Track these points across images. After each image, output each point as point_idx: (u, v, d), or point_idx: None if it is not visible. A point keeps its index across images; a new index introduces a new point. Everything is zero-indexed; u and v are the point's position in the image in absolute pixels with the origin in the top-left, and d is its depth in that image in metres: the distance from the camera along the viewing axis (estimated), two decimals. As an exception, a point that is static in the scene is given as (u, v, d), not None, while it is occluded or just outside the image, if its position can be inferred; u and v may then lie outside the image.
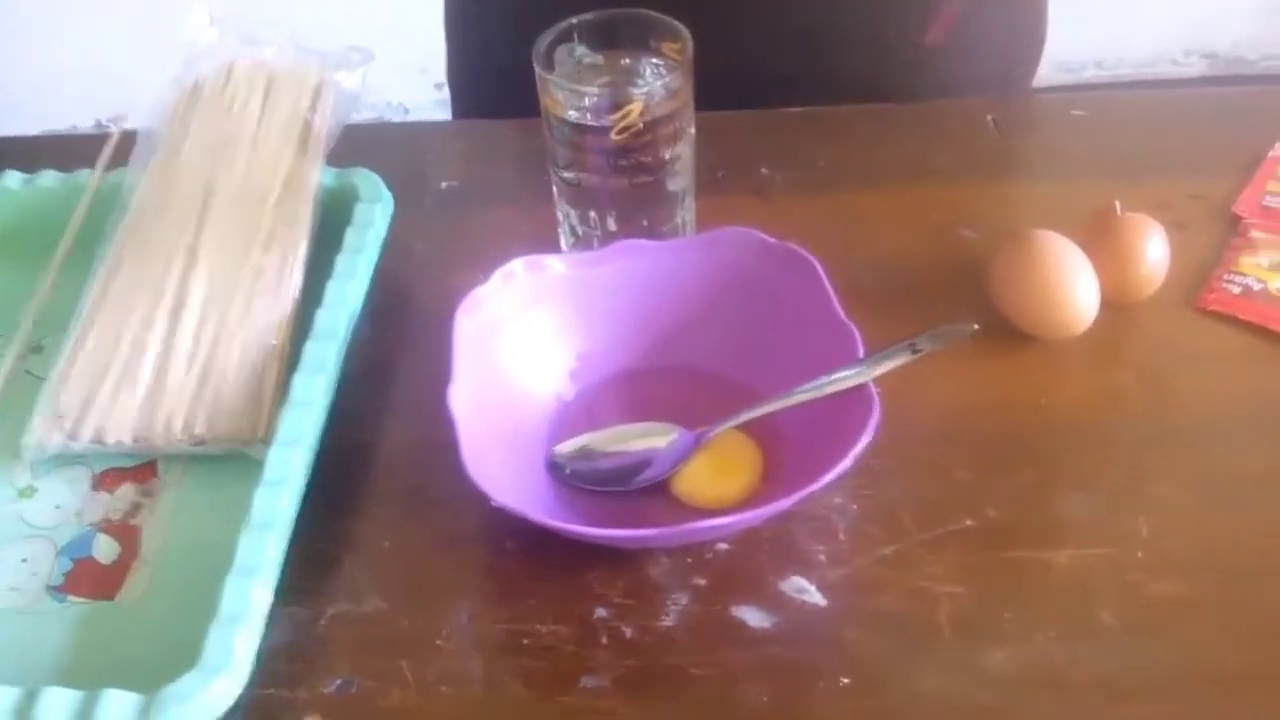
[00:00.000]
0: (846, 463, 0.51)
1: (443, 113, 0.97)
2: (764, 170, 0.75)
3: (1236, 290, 0.66)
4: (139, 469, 0.59)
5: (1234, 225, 0.70)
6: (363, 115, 0.74)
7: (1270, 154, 0.75)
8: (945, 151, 0.76)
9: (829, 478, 0.51)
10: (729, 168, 0.75)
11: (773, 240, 0.61)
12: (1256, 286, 0.66)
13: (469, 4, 0.91)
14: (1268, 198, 0.72)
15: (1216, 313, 0.66)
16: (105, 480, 0.59)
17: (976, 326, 0.59)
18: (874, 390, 0.54)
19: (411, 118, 2.03)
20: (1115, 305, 0.63)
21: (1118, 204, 0.65)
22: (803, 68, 0.82)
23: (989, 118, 0.78)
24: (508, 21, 0.84)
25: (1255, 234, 0.70)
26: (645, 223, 0.65)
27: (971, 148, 0.76)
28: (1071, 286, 0.61)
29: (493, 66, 0.87)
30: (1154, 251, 0.63)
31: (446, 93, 0.96)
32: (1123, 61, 2.20)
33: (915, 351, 0.57)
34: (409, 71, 1.66)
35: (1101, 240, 0.63)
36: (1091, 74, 2.19)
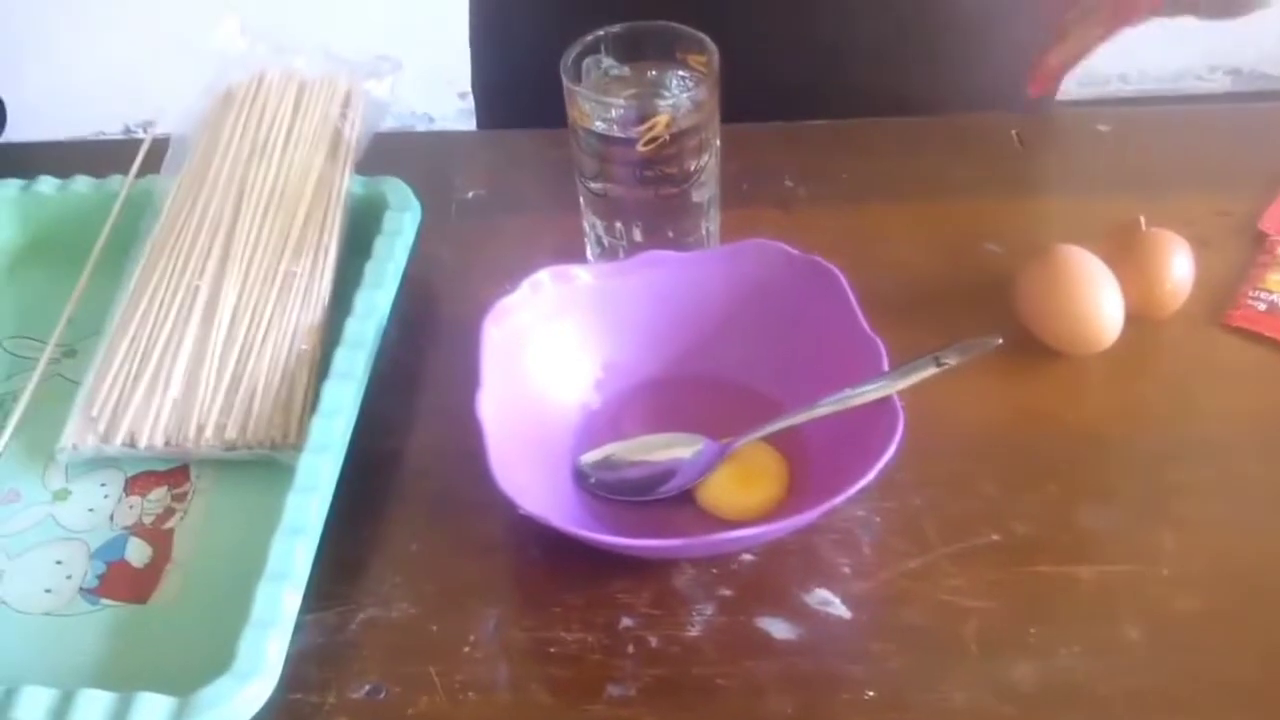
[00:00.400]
0: (871, 476, 0.51)
1: (467, 123, 0.98)
2: (788, 183, 0.76)
3: (1263, 307, 0.66)
4: (171, 473, 0.60)
5: (1260, 242, 0.70)
6: (389, 125, 0.75)
7: (1296, 170, 0.75)
8: (969, 165, 0.76)
9: (853, 490, 0.51)
10: (753, 180, 0.76)
11: (797, 252, 0.62)
12: (1282, 303, 0.67)
13: (494, 15, 0.91)
14: (1294, 214, 0.72)
15: (1242, 329, 0.66)
16: (138, 484, 0.60)
17: (1000, 340, 0.59)
18: (899, 403, 0.54)
19: (436, 127, 2.04)
20: (1140, 321, 0.64)
21: (1142, 219, 0.65)
22: (826, 80, 0.82)
23: (1013, 132, 0.78)
24: (533, 32, 0.84)
25: (1281, 250, 0.70)
26: (670, 234, 0.66)
27: (995, 162, 0.77)
28: (1096, 302, 0.61)
29: (518, 77, 0.87)
30: (1179, 267, 0.63)
31: (471, 103, 0.97)
32: (1146, 76, 2.20)
33: (940, 365, 0.57)
34: (434, 82, 1.67)
35: (1126, 255, 0.63)
36: (1115, 88, 2.19)
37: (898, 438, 0.53)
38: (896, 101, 0.81)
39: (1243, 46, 2.21)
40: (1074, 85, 0.95)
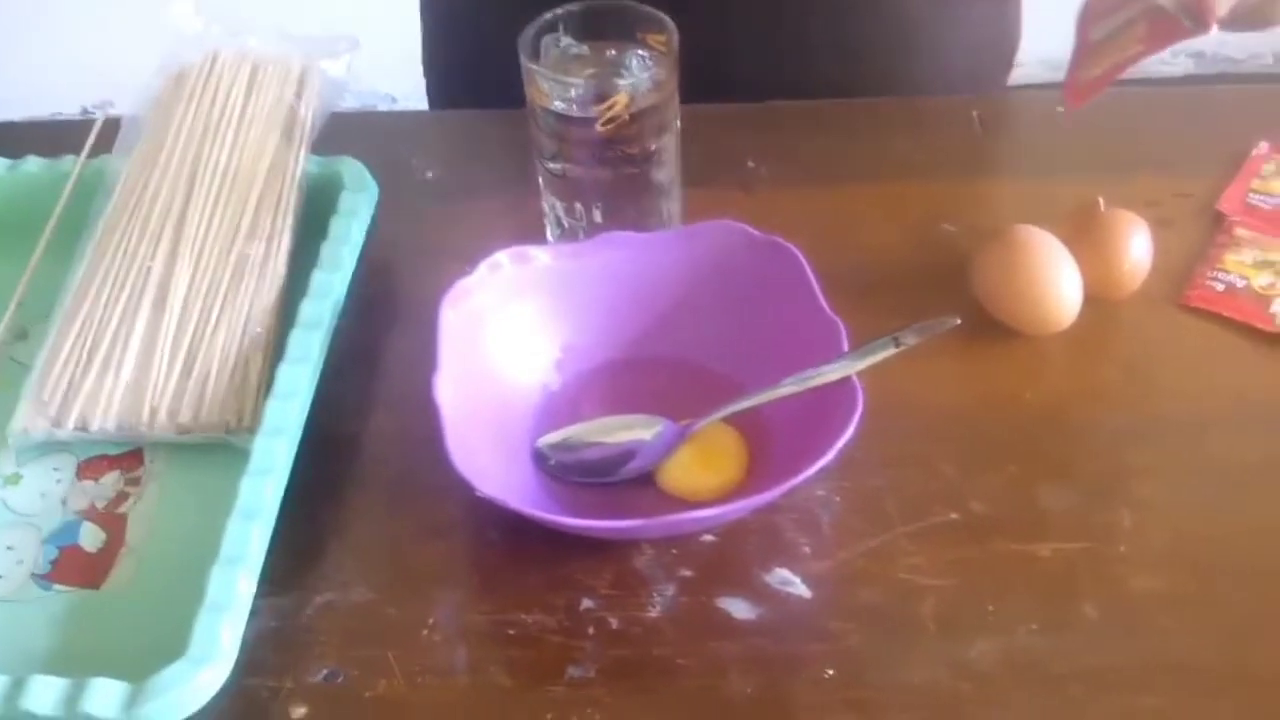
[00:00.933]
0: (829, 456, 0.51)
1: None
2: (750, 164, 0.76)
3: (1220, 287, 0.67)
4: (124, 456, 0.59)
5: (1218, 223, 0.71)
6: (349, 105, 0.74)
7: (1254, 152, 0.75)
8: (929, 147, 0.76)
9: (811, 470, 0.51)
10: (715, 161, 0.75)
11: (757, 233, 0.61)
12: (1240, 284, 0.67)
13: None
14: (1252, 196, 0.73)
15: (1200, 309, 0.66)
16: (91, 468, 0.59)
17: (959, 320, 0.59)
18: (858, 384, 0.54)
19: (399, 107, 2.02)
20: (1099, 301, 0.64)
21: (1101, 200, 0.65)
22: (786, 63, 0.82)
23: (973, 114, 0.78)
24: (487, 10, 0.84)
25: (1239, 231, 0.70)
26: (631, 214, 0.65)
27: (955, 143, 0.77)
28: (1054, 282, 0.62)
29: (471, 56, 0.86)
30: (1137, 248, 0.64)
31: (435, 83, 0.96)
32: (1108, 59, 2.21)
33: (899, 345, 0.57)
34: (397, 61, 1.66)
35: (1084, 236, 0.63)
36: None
37: (856, 417, 0.53)
38: (847, 86, 0.81)
39: (1204, 31, 2.22)
40: (1039, 68, 0.95)
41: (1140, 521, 0.56)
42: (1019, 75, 0.94)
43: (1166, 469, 0.59)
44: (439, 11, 0.91)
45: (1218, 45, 2.23)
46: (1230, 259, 0.68)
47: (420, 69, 0.96)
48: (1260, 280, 0.67)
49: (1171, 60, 2.24)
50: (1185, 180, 0.73)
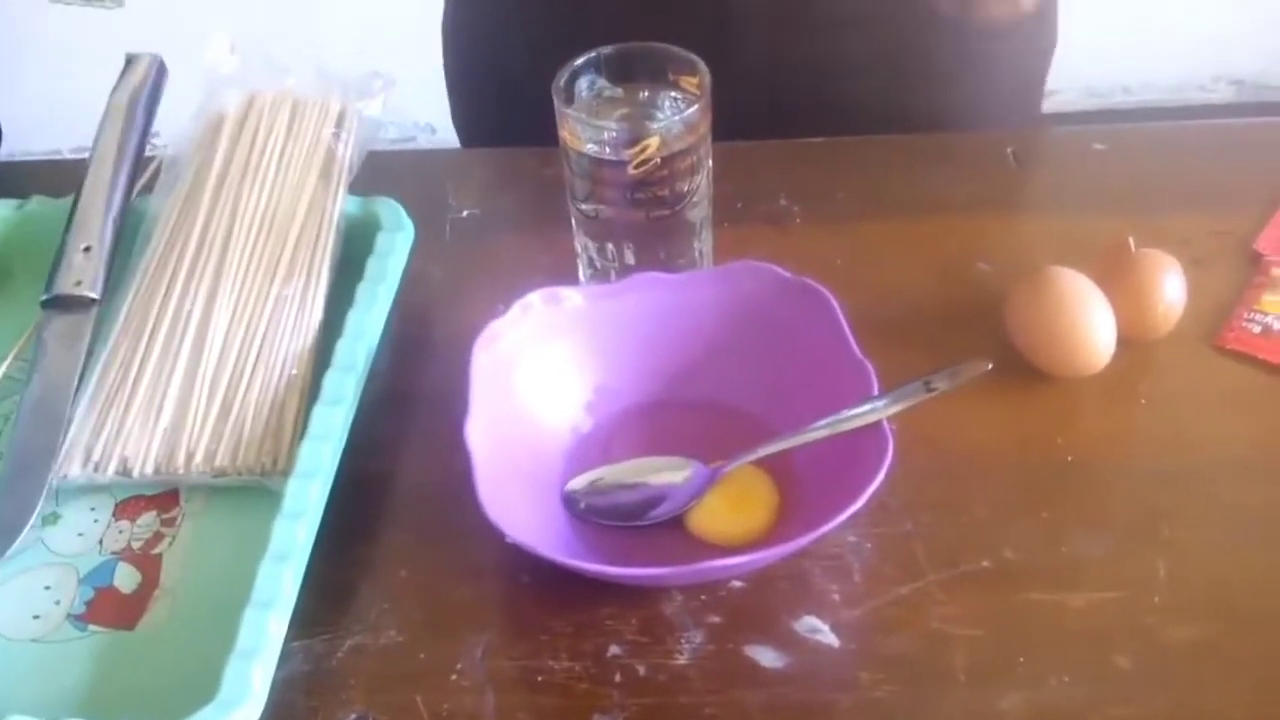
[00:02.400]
0: (859, 503, 0.51)
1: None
2: (782, 201, 0.76)
3: (1257, 329, 0.66)
4: (161, 497, 0.60)
5: (1255, 262, 0.70)
6: (390, 135, 0.75)
7: (1292, 189, 0.75)
8: (963, 183, 0.76)
9: (842, 518, 0.51)
10: (747, 198, 0.76)
11: (788, 275, 0.61)
12: (1277, 325, 0.66)
13: (466, 49, 0.92)
14: (1290, 234, 0.72)
15: (1236, 351, 0.65)
16: (128, 508, 0.60)
17: (990, 365, 0.59)
18: (889, 429, 0.54)
19: (439, 137, 2.04)
20: (1132, 343, 0.63)
21: (1131, 240, 0.64)
22: (817, 97, 0.82)
23: (1008, 150, 0.78)
24: (505, 63, 0.85)
25: (1277, 271, 0.69)
26: (663, 255, 0.66)
27: (990, 180, 0.76)
28: (1087, 325, 0.61)
29: (491, 109, 0.88)
30: (1170, 288, 0.63)
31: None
32: (1149, 87, 2.19)
33: (930, 389, 0.57)
34: (436, 92, 1.68)
35: (1117, 277, 0.63)
36: (1119, 99, 2.19)
37: (886, 464, 0.52)
38: (898, 118, 0.81)
39: (1246, 57, 2.21)
40: (1078, 96, 0.96)
41: (1174, 569, 0.56)
42: (1057, 102, 0.94)
43: (1202, 514, 0.58)
44: (461, 50, 0.93)
45: (1259, 74, 2.21)
46: (1267, 300, 0.68)
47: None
48: (1298, 322, 0.66)
49: (1212, 88, 2.22)
50: (1222, 218, 0.72)
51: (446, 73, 0.95)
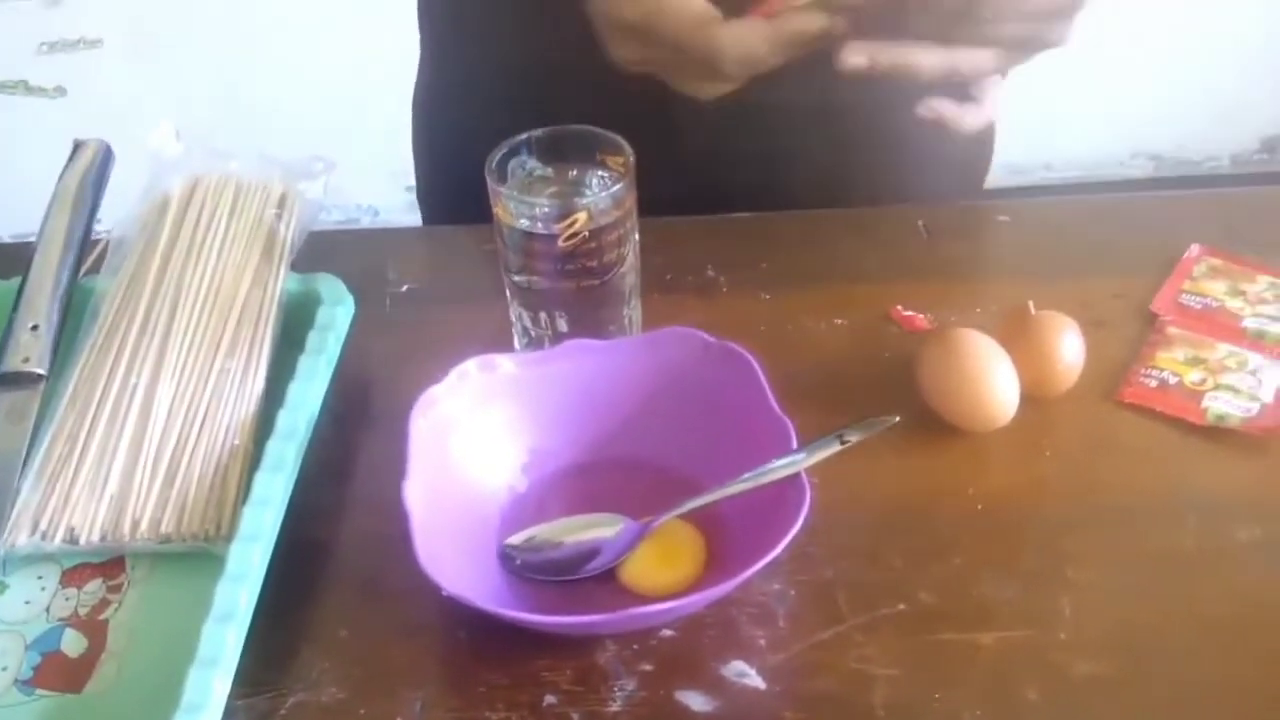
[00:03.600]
0: (779, 550, 0.54)
1: (414, 215, 1.02)
2: (709, 271, 0.80)
3: (1153, 384, 0.70)
4: (107, 565, 0.61)
5: (1151, 322, 0.75)
6: (333, 217, 0.78)
7: (1186, 255, 0.80)
8: (878, 253, 0.80)
9: (761, 564, 0.54)
10: (677, 270, 0.79)
11: (712, 340, 0.65)
12: (1172, 380, 0.70)
13: (430, 125, 0.95)
14: (1183, 296, 0.77)
15: (1135, 405, 0.69)
16: (74, 576, 0.61)
17: (898, 418, 0.62)
18: (806, 479, 0.57)
19: (382, 219, 2.08)
20: (1036, 399, 0.67)
21: (1031, 304, 0.69)
22: (752, 183, 0.86)
23: (920, 223, 0.82)
24: (466, 139, 0.88)
25: (1171, 330, 0.74)
26: (593, 322, 0.69)
27: (902, 250, 0.81)
28: (991, 381, 0.65)
29: (452, 181, 0.91)
30: (1069, 347, 0.67)
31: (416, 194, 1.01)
32: (1071, 164, 2.28)
33: (844, 442, 0.60)
34: (380, 175, 1.72)
35: (1019, 337, 0.67)
36: (1041, 176, 2.27)
37: (804, 511, 0.55)
38: (839, 203, 0.85)
39: (1162, 134, 2.30)
40: (1001, 173, 1.00)
41: (1079, 609, 0.59)
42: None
43: (1104, 558, 0.62)
44: (428, 147, 0.96)
45: (1176, 149, 2.31)
46: (1163, 356, 0.72)
47: (403, 183, 1.01)
48: (1192, 376, 0.71)
49: (1131, 163, 2.32)
50: (1120, 282, 0.77)
51: (415, 142, 0.97)
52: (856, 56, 0.62)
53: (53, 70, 2.02)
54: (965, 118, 0.70)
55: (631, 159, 0.67)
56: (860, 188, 0.86)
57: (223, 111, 1.71)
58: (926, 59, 0.62)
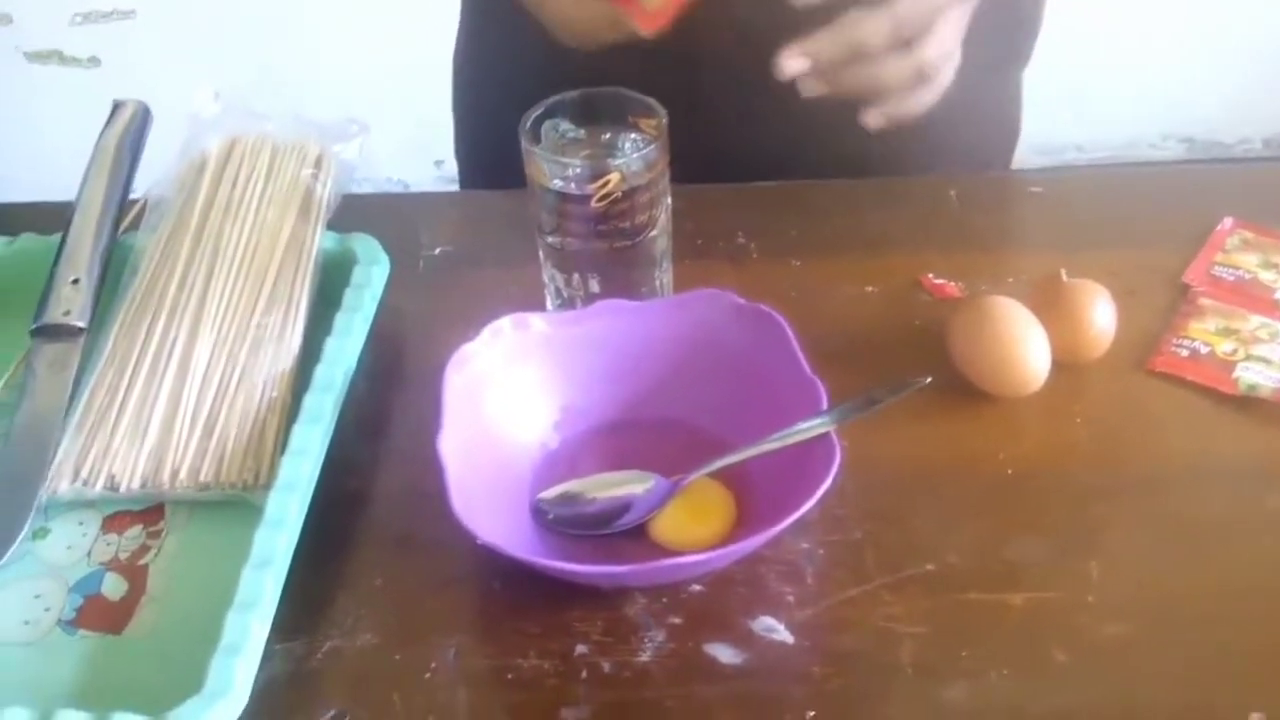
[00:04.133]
0: (808, 506, 0.55)
1: (442, 189, 1.02)
2: (740, 238, 0.80)
3: (1185, 353, 0.70)
4: (147, 512, 0.62)
5: (1183, 293, 0.75)
6: (362, 189, 0.79)
7: (1219, 227, 0.80)
8: (909, 222, 0.80)
9: (792, 519, 0.54)
10: (707, 236, 0.80)
11: (743, 301, 0.65)
12: (1204, 350, 0.71)
13: (470, 86, 0.96)
14: (1216, 268, 0.76)
15: (1165, 374, 0.69)
16: (115, 523, 0.62)
17: (930, 379, 0.62)
18: (836, 439, 0.58)
19: (412, 192, 2.09)
20: (1067, 366, 0.67)
21: (1063, 271, 0.69)
22: (782, 149, 0.86)
23: (951, 193, 0.83)
24: (505, 101, 0.89)
25: (1204, 301, 0.74)
26: (625, 284, 0.69)
27: (934, 219, 0.81)
28: (1023, 348, 0.65)
29: (491, 142, 0.91)
30: (1101, 315, 0.67)
31: (445, 170, 1.01)
32: (1101, 145, 2.27)
33: (874, 403, 0.60)
34: (409, 148, 1.72)
35: (1051, 304, 0.67)
36: (1072, 157, 2.26)
37: (834, 470, 0.56)
38: (851, 168, 0.85)
39: (1195, 115, 2.28)
40: (1031, 153, 1.00)
41: (1107, 573, 0.59)
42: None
43: (1133, 523, 0.62)
44: (468, 103, 0.97)
45: (1208, 131, 2.29)
46: (1195, 326, 0.72)
47: (432, 157, 1.02)
48: (1224, 347, 0.71)
49: (1162, 145, 2.30)
50: (1150, 253, 0.77)
51: (454, 104, 0.98)
52: (793, 61, 0.61)
53: (86, 41, 2.03)
54: (919, 100, 0.66)
55: (665, 121, 0.67)
56: (882, 168, 0.86)
57: (254, 85, 1.71)
58: (869, 25, 0.60)
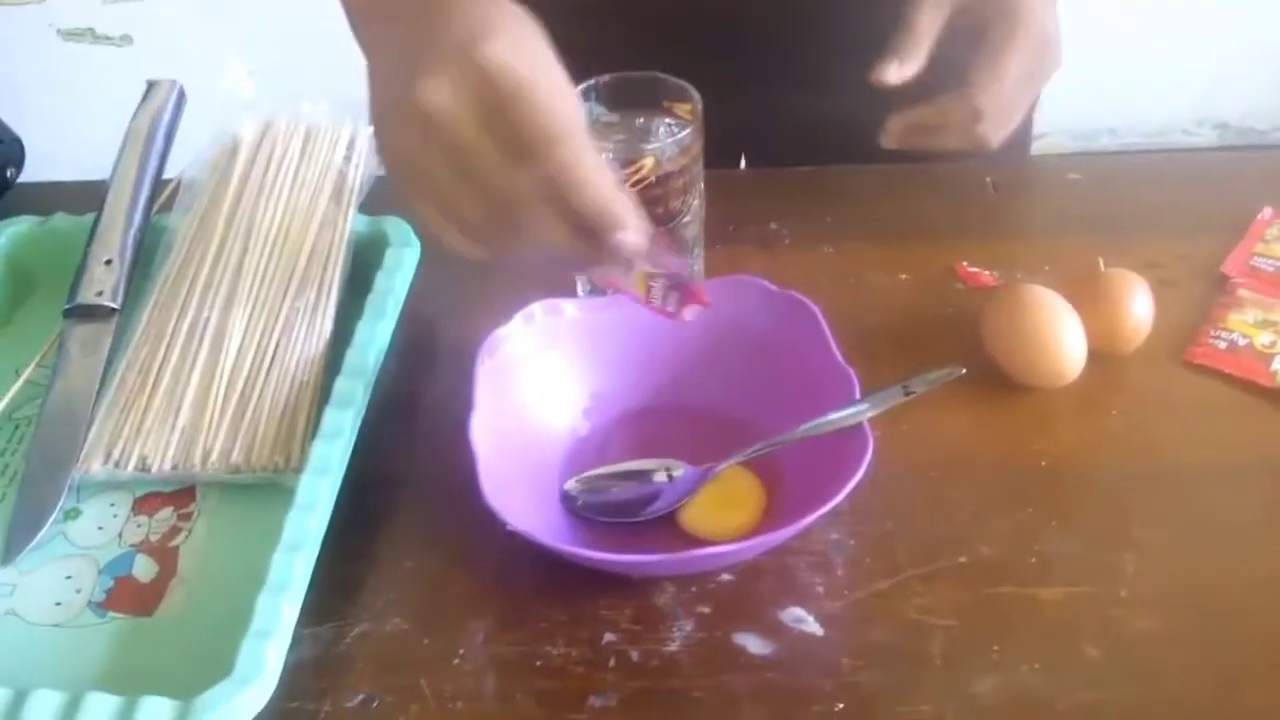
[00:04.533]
0: (841, 497, 0.54)
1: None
2: (772, 225, 0.79)
3: (1223, 345, 0.69)
4: (178, 494, 0.63)
5: (1221, 284, 0.74)
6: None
7: (1259, 217, 0.78)
8: (943, 209, 0.80)
9: (823, 510, 0.54)
10: (739, 222, 0.79)
11: (775, 288, 0.65)
12: (1242, 342, 0.70)
13: None
14: (1255, 259, 0.75)
15: (1203, 366, 0.69)
16: (145, 504, 0.62)
17: (964, 370, 0.62)
18: (869, 429, 0.57)
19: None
20: (1103, 357, 0.67)
21: (1101, 260, 0.68)
22: (806, 132, 0.85)
23: (987, 179, 0.82)
24: None
25: (1242, 293, 0.73)
26: (658, 271, 0.69)
27: (969, 206, 0.80)
28: (1059, 338, 0.64)
29: None
30: (1139, 306, 0.67)
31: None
32: (1134, 130, 2.24)
33: (908, 393, 0.60)
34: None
35: (1088, 294, 0.66)
36: (1105, 142, 2.23)
37: (867, 461, 0.56)
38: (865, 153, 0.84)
39: (1230, 101, 2.25)
40: (1064, 139, 0.99)
41: (1141, 567, 0.59)
42: (1044, 145, 0.98)
43: (1167, 517, 0.61)
44: None
45: (1242, 117, 2.26)
46: (1233, 318, 0.71)
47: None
48: (1262, 339, 0.70)
49: (1196, 131, 2.27)
50: (1188, 243, 0.76)
51: None
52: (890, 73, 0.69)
53: (118, 18, 2.04)
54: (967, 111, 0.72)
55: (700, 106, 0.66)
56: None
57: (289, 64, 1.71)
58: (960, 110, 0.70)
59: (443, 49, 0.49)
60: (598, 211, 0.50)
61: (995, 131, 0.71)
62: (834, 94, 0.84)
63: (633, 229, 0.51)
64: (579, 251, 0.51)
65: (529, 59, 0.49)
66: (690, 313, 0.58)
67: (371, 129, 0.57)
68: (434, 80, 0.48)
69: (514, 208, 0.50)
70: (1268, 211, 0.79)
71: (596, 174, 0.49)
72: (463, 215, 0.51)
